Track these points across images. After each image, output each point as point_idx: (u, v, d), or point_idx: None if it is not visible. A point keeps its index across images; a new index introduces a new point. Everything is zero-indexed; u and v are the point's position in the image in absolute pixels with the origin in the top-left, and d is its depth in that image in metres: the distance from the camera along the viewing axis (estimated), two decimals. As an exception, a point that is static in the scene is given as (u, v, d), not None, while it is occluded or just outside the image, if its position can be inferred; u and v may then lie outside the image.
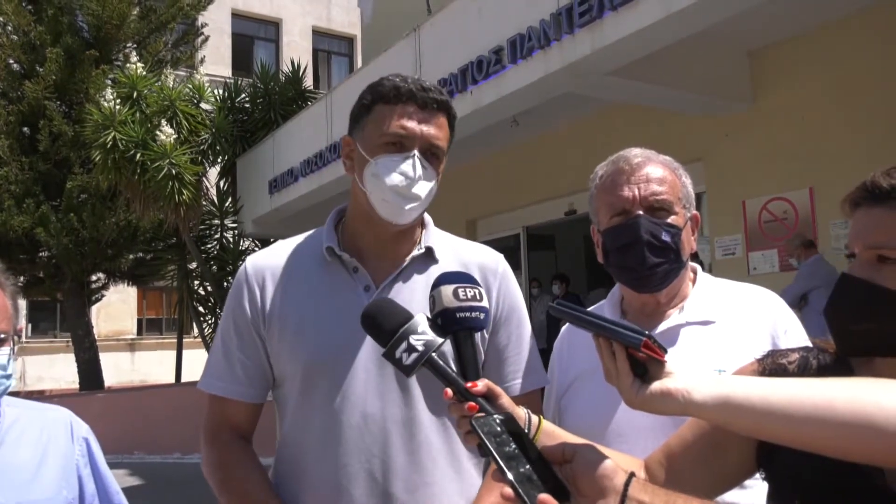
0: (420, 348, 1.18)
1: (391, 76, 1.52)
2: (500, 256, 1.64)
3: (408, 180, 1.46)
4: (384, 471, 1.44)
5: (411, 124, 1.47)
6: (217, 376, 1.56)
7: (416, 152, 1.47)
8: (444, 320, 1.23)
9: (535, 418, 1.24)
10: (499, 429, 1.05)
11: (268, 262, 1.57)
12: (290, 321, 1.50)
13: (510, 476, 0.97)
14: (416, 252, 1.55)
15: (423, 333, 1.19)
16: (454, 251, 1.60)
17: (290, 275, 1.54)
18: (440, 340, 1.20)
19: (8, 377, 1.63)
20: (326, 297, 1.51)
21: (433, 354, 1.18)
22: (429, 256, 1.56)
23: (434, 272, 1.51)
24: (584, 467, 1.05)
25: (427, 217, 1.63)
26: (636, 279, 1.56)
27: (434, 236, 1.60)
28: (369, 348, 1.45)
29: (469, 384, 1.15)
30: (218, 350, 1.58)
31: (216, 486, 1.51)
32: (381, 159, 1.47)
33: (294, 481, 1.50)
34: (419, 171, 1.47)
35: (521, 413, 1.21)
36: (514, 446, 1.02)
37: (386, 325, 1.21)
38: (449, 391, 1.15)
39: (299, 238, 1.63)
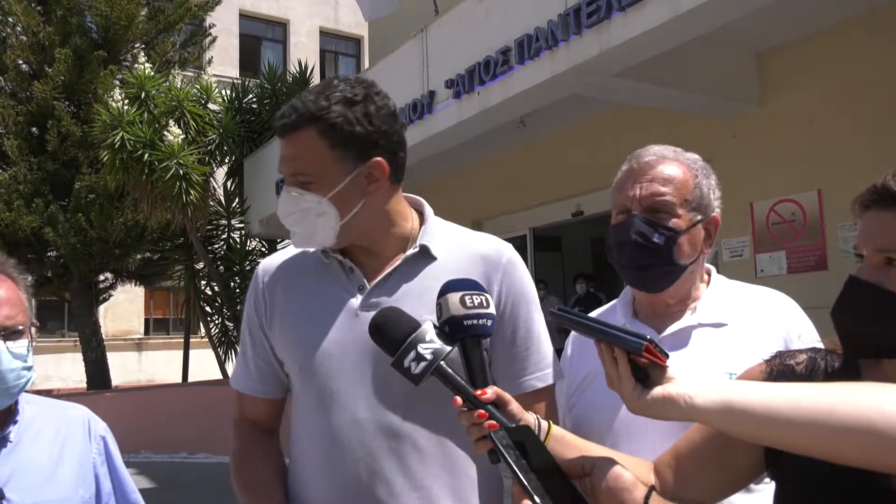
0: (428, 357, 1.18)
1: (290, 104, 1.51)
2: (506, 246, 1.56)
3: (283, 218, 1.49)
4: (369, 474, 1.42)
5: (280, 158, 1.48)
6: (238, 374, 1.64)
7: (286, 187, 1.48)
8: (451, 328, 1.22)
9: (544, 424, 1.23)
10: (516, 441, 1.04)
11: (275, 264, 1.61)
12: (289, 322, 1.53)
13: (531, 490, 0.97)
14: (410, 251, 1.51)
15: (431, 342, 1.19)
16: (455, 244, 1.54)
17: (293, 277, 1.57)
18: (448, 349, 1.19)
19: (29, 369, 1.64)
20: (322, 298, 1.51)
21: (442, 363, 1.18)
22: (425, 254, 1.52)
23: (431, 270, 1.49)
24: (604, 480, 1.04)
25: (427, 209, 1.59)
26: (630, 278, 1.58)
27: (431, 232, 1.54)
28: (361, 349, 1.44)
29: (478, 392, 1.15)
30: (241, 349, 1.65)
31: (231, 472, 1.56)
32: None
33: (299, 477, 1.52)
34: (287, 208, 1.48)
35: (530, 419, 1.21)
36: (530, 459, 1.02)
37: (394, 335, 1.21)
38: (458, 399, 1.15)
39: None
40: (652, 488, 1.05)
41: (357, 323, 1.46)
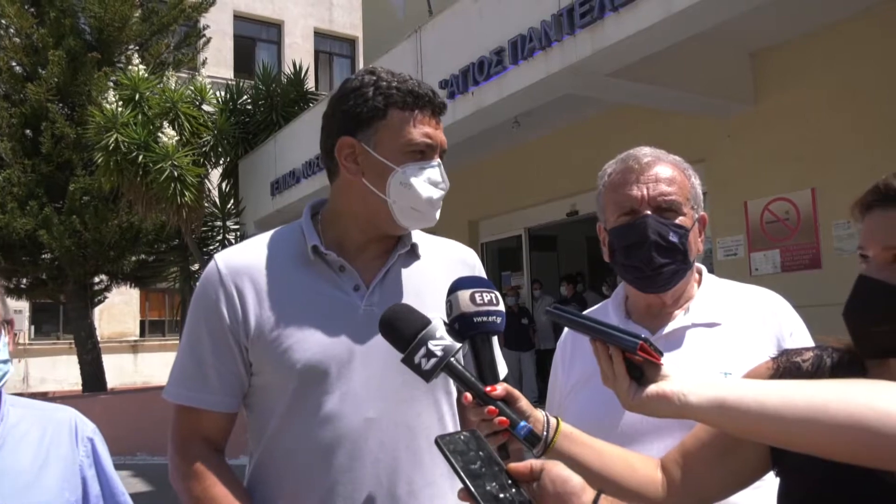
0: (439, 353, 1.18)
1: (389, 77, 1.48)
2: (472, 250, 1.68)
3: (440, 190, 1.47)
4: (390, 473, 1.42)
5: (433, 132, 1.46)
6: (187, 386, 1.47)
7: (438, 160, 1.48)
8: (461, 325, 1.23)
9: (553, 420, 1.23)
10: (464, 446, 1.04)
11: (244, 262, 1.48)
12: (281, 328, 1.43)
13: (476, 494, 0.98)
14: (402, 250, 1.54)
15: (441, 338, 1.19)
16: (430, 247, 1.61)
17: (272, 277, 1.46)
18: (458, 345, 1.20)
19: (4, 362, 1.63)
20: (315, 300, 1.46)
21: (452, 359, 1.18)
22: (412, 253, 1.56)
23: (417, 268, 1.54)
24: (551, 485, 1.05)
25: None
26: (641, 279, 1.55)
27: (414, 232, 1.59)
28: (366, 350, 1.43)
29: (488, 388, 1.15)
30: (186, 357, 1.48)
31: (190, 500, 1.42)
32: (410, 168, 1.44)
33: (279, 493, 1.45)
34: (446, 179, 1.49)
35: (539, 416, 1.22)
36: (479, 464, 1.02)
37: (404, 331, 1.21)
38: (469, 395, 1.15)
39: (273, 235, 1.55)
40: (600, 492, 1.05)
41: (361, 322, 1.44)
